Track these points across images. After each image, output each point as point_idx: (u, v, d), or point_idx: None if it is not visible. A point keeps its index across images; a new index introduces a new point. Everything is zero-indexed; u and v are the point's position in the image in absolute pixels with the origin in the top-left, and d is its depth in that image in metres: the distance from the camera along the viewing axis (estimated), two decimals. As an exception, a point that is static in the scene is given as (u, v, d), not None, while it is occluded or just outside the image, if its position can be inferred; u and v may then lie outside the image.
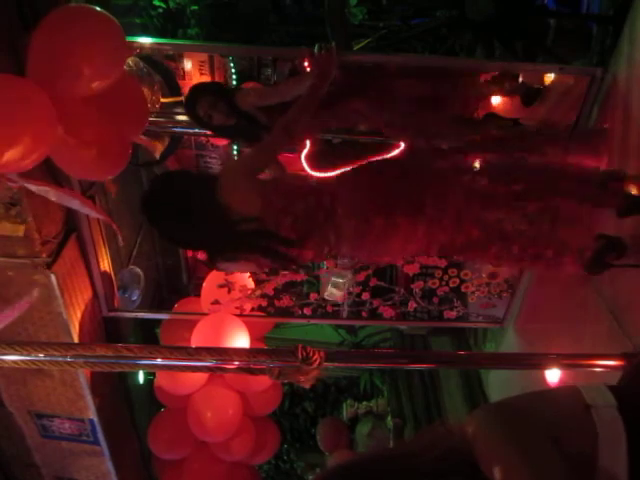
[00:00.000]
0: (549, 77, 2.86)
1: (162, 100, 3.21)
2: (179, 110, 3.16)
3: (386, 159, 2.38)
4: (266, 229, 1.74)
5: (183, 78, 3.99)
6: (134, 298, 3.49)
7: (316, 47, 2.09)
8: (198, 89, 2.45)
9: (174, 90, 3.40)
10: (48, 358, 1.84)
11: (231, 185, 1.73)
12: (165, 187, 1.81)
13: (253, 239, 1.74)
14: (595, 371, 2.03)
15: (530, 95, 2.90)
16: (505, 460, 0.83)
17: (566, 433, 0.86)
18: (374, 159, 2.29)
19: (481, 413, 0.94)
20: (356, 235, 1.81)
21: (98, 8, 1.75)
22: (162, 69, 3.36)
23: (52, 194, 2.04)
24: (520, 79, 2.97)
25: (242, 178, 1.75)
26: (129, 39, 2.37)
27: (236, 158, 3.77)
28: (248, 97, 2.36)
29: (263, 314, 3.32)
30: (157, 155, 2.81)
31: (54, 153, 1.82)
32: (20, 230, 2.38)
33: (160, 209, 1.77)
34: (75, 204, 2.24)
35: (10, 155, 1.61)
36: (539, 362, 2.12)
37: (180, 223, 1.75)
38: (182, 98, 3.23)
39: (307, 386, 1.91)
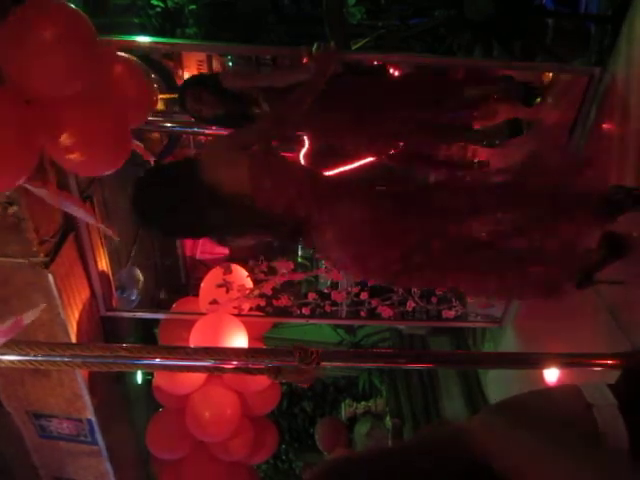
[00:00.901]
0: (548, 77, 2.85)
1: (160, 97, 3.21)
2: (178, 109, 3.15)
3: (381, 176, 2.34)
4: (257, 209, 1.70)
5: (182, 78, 3.99)
6: (132, 298, 3.48)
7: (315, 46, 2.09)
8: (182, 86, 2.46)
9: (171, 87, 3.40)
10: (46, 358, 1.83)
11: (214, 162, 1.69)
12: (148, 186, 1.79)
13: (246, 219, 1.72)
14: (594, 370, 2.03)
15: (530, 94, 2.88)
16: (532, 457, 0.83)
17: (569, 430, 0.87)
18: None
19: (488, 416, 0.94)
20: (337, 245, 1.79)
21: (70, 5, 1.69)
22: (158, 67, 3.35)
23: (49, 197, 2.04)
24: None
25: (224, 153, 1.70)
26: (127, 38, 2.38)
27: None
28: (235, 77, 2.36)
29: (261, 314, 3.32)
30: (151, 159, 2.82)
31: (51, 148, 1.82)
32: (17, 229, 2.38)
33: (150, 208, 1.77)
34: (73, 209, 2.24)
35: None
36: (538, 361, 2.12)
37: (174, 215, 1.74)
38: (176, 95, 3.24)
39: (305, 386, 1.91)
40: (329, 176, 1.96)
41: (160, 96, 3.28)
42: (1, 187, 1.91)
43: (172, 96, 3.33)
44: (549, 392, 1.08)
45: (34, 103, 1.69)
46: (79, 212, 2.35)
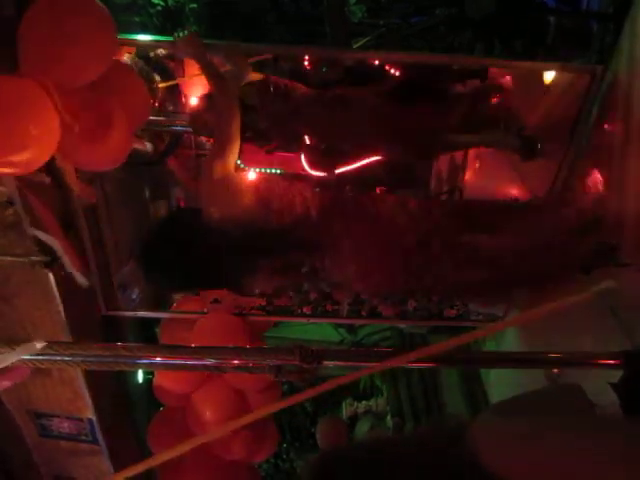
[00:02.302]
0: (549, 76, 2.84)
1: (160, 85, 3.21)
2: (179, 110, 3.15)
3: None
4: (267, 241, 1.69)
5: (183, 76, 3.98)
6: (134, 297, 3.47)
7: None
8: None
9: (168, 79, 3.39)
10: (46, 357, 1.83)
11: (213, 199, 1.68)
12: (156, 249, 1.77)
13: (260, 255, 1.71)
14: (595, 369, 2.02)
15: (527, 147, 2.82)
16: (533, 462, 0.83)
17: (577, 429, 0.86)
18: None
19: (489, 417, 0.94)
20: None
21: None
22: (157, 65, 3.35)
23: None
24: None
25: (225, 190, 1.69)
26: (128, 37, 2.38)
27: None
28: None
29: (262, 313, 3.31)
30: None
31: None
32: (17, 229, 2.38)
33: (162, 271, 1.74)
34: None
35: (13, 158, 1.62)
36: (539, 361, 2.11)
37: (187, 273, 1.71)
38: (176, 81, 3.24)
39: (307, 384, 1.91)
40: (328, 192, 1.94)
41: (160, 84, 3.28)
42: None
43: (169, 82, 3.33)
44: (551, 392, 1.07)
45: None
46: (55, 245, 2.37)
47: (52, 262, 2.56)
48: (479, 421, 0.92)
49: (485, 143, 2.72)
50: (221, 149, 1.78)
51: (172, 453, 1.46)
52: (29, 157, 1.66)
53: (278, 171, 3.30)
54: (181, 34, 2.12)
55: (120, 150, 2.04)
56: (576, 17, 2.88)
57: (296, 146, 2.66)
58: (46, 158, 1.73)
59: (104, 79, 1.88)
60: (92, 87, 1.82)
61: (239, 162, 3.03)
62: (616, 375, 1.64)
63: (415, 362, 2.35)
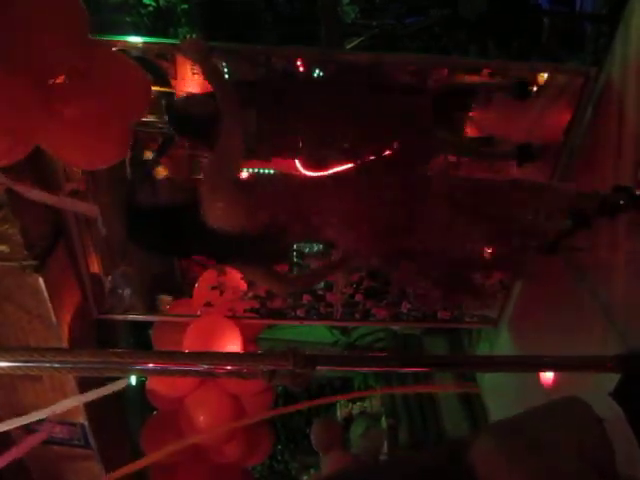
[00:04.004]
0: (542, 77, 2.84)
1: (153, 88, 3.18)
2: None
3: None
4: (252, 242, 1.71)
5: (175, 78, 3.94)
6: (126, 300, 3.44)
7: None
8: (177, 111, 2.42)
9: (160, 80, 3.36)
10: (36, 364, 1.80)
11: (215, 209, 1.69)
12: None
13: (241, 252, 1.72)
14: (589, 372, 2.01)
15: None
16: None
17: (584, 445, 0.85)
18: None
19: (494, 442, 0.92)
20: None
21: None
22: (145, 62, 3.31)
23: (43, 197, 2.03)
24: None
25: (222, 200, 1.70)
26: (119, 38, 2.35)
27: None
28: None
29: (255, 316, 3.29)
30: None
31: (47, 139, 1.80)
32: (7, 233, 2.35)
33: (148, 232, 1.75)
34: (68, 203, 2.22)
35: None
36: (534, 364, 2.11)
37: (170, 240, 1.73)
38: (170, 89, 3.20)
39: (301, 388, 1.90)
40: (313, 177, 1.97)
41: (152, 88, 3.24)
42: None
43: (164, 89, 3.29)
44: (556, 407, 1.04)
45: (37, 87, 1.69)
46: (77, 205, 2.34)
47: (42, 266, 2.54)
48: (479, 440, 0.90)
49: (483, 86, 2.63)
50: (225, 156, 1.76)
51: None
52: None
53: (271, 171, 3.27)
54: (187, 36, 2.10)
55: (118, 145, 2.01)
56: (570, 19, 2.88)
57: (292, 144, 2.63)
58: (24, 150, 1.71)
59: (100, 70, 1.86)
60: (85, 77, 1.79)
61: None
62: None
63: (409, 366, 2.36)
